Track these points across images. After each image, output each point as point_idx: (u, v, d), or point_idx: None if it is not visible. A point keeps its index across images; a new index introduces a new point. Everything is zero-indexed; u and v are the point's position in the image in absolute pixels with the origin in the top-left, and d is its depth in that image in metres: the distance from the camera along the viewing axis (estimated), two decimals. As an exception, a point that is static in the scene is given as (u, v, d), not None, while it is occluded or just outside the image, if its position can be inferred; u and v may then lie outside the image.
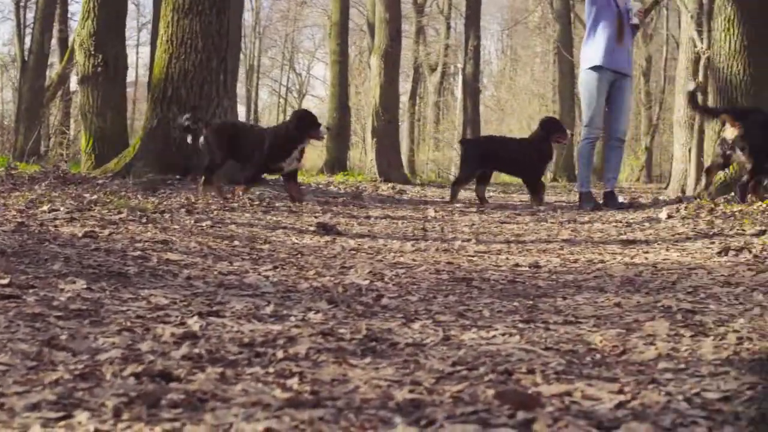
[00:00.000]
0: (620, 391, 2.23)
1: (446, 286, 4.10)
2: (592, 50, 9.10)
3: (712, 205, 8.24)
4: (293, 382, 2.26)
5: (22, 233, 4.83)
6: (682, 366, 2.57)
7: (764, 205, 7.89)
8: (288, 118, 9.40)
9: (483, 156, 9.87)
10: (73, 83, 28.50)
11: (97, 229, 5.21)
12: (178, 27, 10.04)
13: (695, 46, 13.80)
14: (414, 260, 4.97)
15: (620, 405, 2.11)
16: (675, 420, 1.99)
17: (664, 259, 5.27)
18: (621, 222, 7.51)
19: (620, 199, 9.68)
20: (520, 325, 3.15)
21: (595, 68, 9.07)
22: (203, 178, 8.39)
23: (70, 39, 25.90)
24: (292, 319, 3.16)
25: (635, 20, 9.16)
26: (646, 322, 3.27)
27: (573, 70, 28.68)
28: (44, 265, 3.93)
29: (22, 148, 20.80)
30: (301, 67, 53.45)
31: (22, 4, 28.63)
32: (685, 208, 8.33)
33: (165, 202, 7.02)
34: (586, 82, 9.21)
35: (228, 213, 7.11)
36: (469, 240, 6.08)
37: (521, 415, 1.96)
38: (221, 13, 10.13)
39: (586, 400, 2.14)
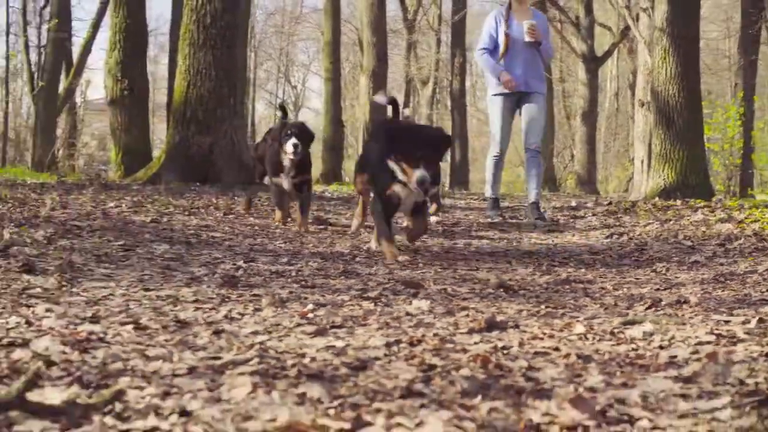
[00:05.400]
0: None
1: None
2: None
3: (629, 206, 10.26)
4: (303, 282, 4.34)
5: (107, 218, 6.85)
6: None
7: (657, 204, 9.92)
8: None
9: None
10: (78, 98, 30.63)
11: (157, 218, 7.22)
12: (194, 59, 11.96)
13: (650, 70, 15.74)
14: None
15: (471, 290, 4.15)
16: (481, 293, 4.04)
17: (565, 241, 7.28)
18: (551, 218, 9.48)
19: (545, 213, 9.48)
20: (441, 269, 5.20)
21: (495, 95, 9.05)
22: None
23: (74, 56, 28.05)
24: (299, 264, 5.18)
25: (527, 38, 8.87)
26: (518, 269, 5.32)
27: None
28: (136, 236, 5.94)
29: (40, 159, 22.81)
30: (296, 80, 54.68)
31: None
32: (608, 208, 10.34)
33: (196, 202, 8.96)
34: (490, 106, 9.26)
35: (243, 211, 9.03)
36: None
37: (412, 290, 4.03)
38: (231, 48, 12.07)
39: (455, 291, 4.18)
